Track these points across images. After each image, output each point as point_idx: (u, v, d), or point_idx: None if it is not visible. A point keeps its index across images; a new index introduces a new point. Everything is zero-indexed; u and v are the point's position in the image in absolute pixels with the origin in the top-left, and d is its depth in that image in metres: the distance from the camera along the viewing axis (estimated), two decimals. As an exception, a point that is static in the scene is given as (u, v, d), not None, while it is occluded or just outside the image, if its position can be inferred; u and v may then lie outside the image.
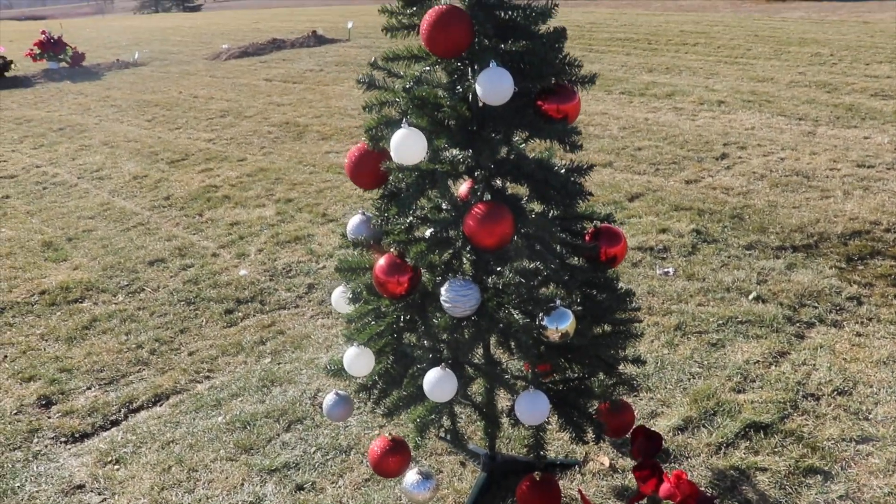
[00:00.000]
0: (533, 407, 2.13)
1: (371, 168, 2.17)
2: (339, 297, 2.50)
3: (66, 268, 5.16)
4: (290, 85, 11.91)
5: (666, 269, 4.32)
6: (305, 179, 6.63)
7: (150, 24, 37.03)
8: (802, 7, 23.83)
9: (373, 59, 2.25)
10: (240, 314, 4.26)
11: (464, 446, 2.80)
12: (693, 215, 5.11)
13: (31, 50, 16.60)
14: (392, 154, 1.98)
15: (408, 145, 1.93)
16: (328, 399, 2.50)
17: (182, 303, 4.45)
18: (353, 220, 2.37)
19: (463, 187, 2.32)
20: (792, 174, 5.97)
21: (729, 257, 4.48)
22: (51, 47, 16.40)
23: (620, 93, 9.43)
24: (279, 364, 3.67)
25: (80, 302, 4.62)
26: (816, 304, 3.85)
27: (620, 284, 2.35)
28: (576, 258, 2.24)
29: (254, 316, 4.24)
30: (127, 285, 4.78)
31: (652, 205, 5.39)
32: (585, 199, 2.18)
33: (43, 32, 16.70)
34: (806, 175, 5.94)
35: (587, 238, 2.26)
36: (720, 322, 3.71)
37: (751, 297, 3.95)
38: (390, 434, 2.40)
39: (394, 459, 2.34)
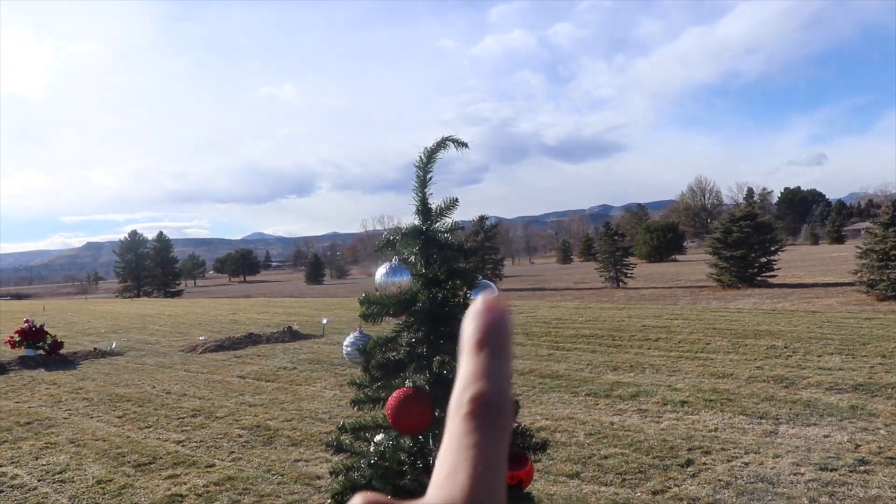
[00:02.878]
0: None
1: (337, 533, 2.27)
2: None
3: None
4: (262, 383, 12.11)
5: None
6: (273, 491, 6.56)
7: (131, 309, 38.08)
8: (756, 294, 25.40)
9: (341, 422, 2.44)
10: None
11: None
12: (662, 531, 5.11)
13: (12, 337, 16.92)
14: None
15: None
16: None
17: None
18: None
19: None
20: (757, 481, 6.07)
21: (700, 580, 4.43)
22: (31, 336, 16.74)
23: (586, 395, 9.71)
24: None
25: None
26: None
27: None
28: None
29: None
30: None
31: (621, 519, 5.39)
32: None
33: (26, 321, 17.12)
34: (770, 481, 6.04)
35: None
36: None
37: None
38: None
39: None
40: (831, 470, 6.28)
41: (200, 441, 8.47)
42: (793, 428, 7.67)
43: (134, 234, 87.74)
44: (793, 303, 21.26)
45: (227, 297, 49.60)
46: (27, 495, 6.94)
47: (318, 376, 12.48)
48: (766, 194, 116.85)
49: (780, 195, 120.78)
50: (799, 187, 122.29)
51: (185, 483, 6.93)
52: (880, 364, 10.74)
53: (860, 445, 6.92)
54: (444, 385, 2.22)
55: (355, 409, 2.32)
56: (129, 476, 7.28)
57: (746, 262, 29.30)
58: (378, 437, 2.34)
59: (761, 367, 10.97)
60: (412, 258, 2.25)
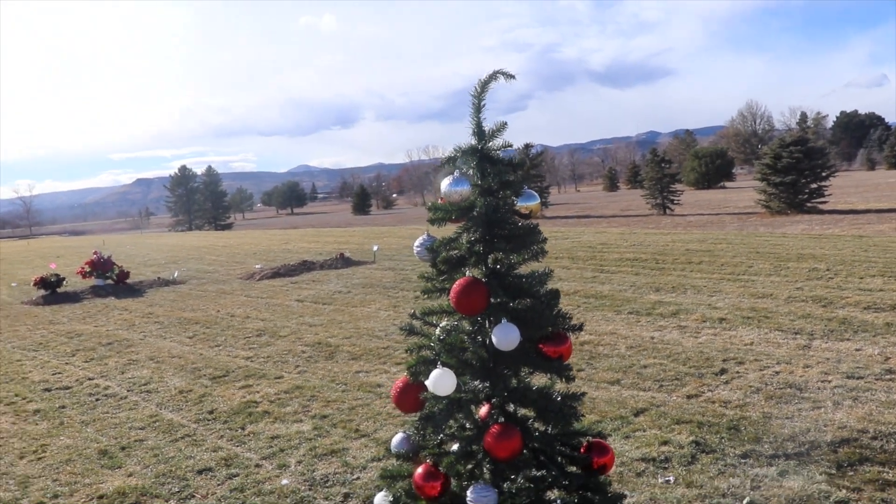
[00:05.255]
0: None
1: (412, 397, 2.80)
2: (382, 501, 3.03)
3: (121, 474, 5.66)
4: (320, 306, 12.81)
5: (667, 478, 4.77)
6: (338, 397, 7.21)
7: (184, 241, 39.37)
8: (805, 220, 25.24)
9: (412, 311, 2.94)
10: (283, 521, 4.71)
11: None
12: (693, 428, 5.61)
13: (83, 268, 17.96)
14: (429, 387, 2.61)
15: (441, 382, 2.57)
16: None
17: (230, 510, 4.91)
18: (397, 438, 2.94)
19: (483, 410, 2.92)
20: (786, 387, 6.50)
21: (726, 465, 4.93)
22: (100, 266, 17.72)
23: (629, 313, 10.17)
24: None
25: (135, 509, 5.09)
26: (806, 509, 4.27)
27: (611, 489, 2.88)
28: (573, 467, 2.79)
29: (295, 523, 4.68)
30: (178, 492, 5.25)
31: (655, 419, 5.90)
32: (579, 419, 2.77)
33: (95, 253, 18.12)
34: (799, 387, 6.47)
35: (582, 450, 2.82)
36: (716, 527, 4.13)
37: (745, 501, 4.37)
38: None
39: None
40: (858, 378, 6.67)
41: (267, 357, 9.19)
42: (826, 343, 8.03)
43: (184, 168, 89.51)
44: (842, 229, 21.16)
45: (277, 229, 50.74)
46: (120, 402, 7.72)
47: (371, 299, 13.14)
48: (820, 118, 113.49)
49: (835, 119, 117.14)
50: (856, 110, 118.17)
51: (258, 392, 7.64)
52: (921, 284, 10.94)
53: (890, 358, 7.27)
54: (497, 277, 2.70)
55: (425, 297, 2.81)
56: (206, 387, 8.01)
57: (796, 189, 28.97)
58: (443, 323, 2.84)
59: (801, 288, 11.25)
60: (470, 171, 2.71)
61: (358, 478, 5.24)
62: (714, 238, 19.55)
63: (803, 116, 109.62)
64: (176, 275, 19.17)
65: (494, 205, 2.68)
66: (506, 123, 2.71)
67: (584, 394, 2.84)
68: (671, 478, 4.79)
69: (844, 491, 4.46)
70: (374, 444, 5.86)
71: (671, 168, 39.93)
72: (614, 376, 7.21)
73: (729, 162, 78.86)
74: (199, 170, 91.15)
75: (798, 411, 5.90)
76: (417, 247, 2.83)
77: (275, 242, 30.76)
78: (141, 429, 6.78)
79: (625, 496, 2.93)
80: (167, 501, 5.13)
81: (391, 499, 2.97)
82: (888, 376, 6.68)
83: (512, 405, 2.75)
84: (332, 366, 8.51)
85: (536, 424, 2.78)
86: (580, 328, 2.79)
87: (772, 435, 5.41)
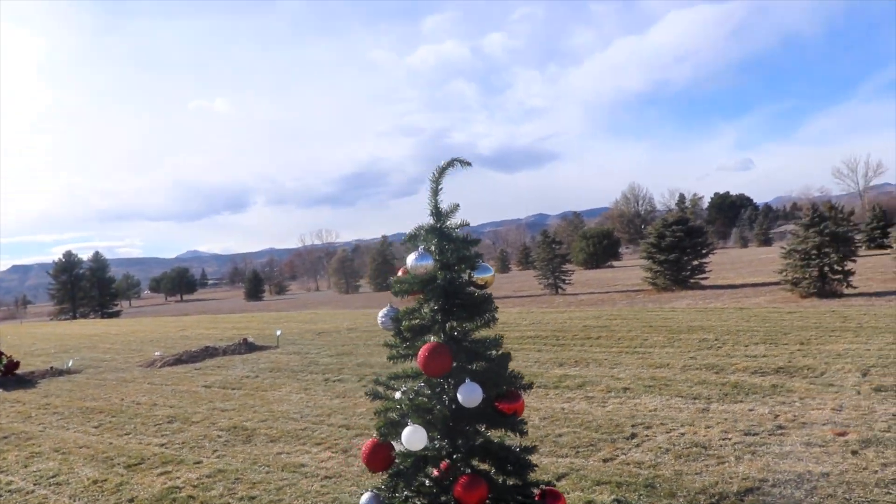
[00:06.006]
0: None
1: (381, 456, 3.03)
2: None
3: None
4: (229, 391, 12.65)
5: (596, 535, 5.07)
6: (263, 479, 7.19)
7: (72, 330, 37.64)
8: (689, 295, 26.72)
9: (376, 377, 3.20)
10: None
11: None
12: (612, 487, 5.97)
13: (-34, 365, 16.98)
14: (404, 443, 2.86)
15: (414, 437, 2.82)
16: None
17: None
18: (365, 497, 3.14)
19: (442, 465, 3.17)
20: (691, 446, 7.00)
21: (647, 521, 5.29)
22: (-14, 360, 16.83)
23: (537, 387, 10.58)
24: None
25: None
26: (721, 555, 4.65)
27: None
28: (530, 514, 3.07)
29: None
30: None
31: (577, 482, 6.23)
32: (534, 470, 3.06)
33: (-19, 346, 17.19)
34: (703, 446, 6.98)
35: (537, 498, 3.10)
36: (645, 575, 4.45)
37: (668, 552, 4.72)
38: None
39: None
40: (754, 434, 7.26)
41: (183, 443, 9.02)
42: (722, 405, 8.65)
43: (69, 254, 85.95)
44: (723, 302, 22.56)
45: (169, 316, 49.26)
46: (27, 497, 7.38)
47: (281, 382, 13.07)
48: (697, 199, 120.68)
49: (710, 200, 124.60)
50: (728, 192, 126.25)
51: (178, 477, 7.51)
52: (798, 350, 11.90)
53: (778, 415, 7.93)
54: (456, 342, 3.01)
55: (390, 362, 3.08)
56: (122, 475, 7.80)
57: (679, 266, 30.71)
58: (404, 387, 3.11)
59: (694, 357, 12.03)
60: (431, 248, 3.04)
61: (296, 554, 5.29)
62: (608, 314, 20.47)
63: (681, 198, 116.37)
64: (70, 364, 18.39)
65: (452, 278, 3.01)
66: (458, 205, 3.07)
67: (536, 447, 3.14)
68: (600, 533, 5.10)
69: (753, 536, 4.89)
70: (308, 521, 5.91)
71: (561, 249, 41.50)
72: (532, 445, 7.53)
73: (615, 242, 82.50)
74: (84, 255, 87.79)
75: (705, 467, 6.37)
76: (382, 317, 3.11)
77: (171, 329, 29.90)
78: (58, 522, 6.55)
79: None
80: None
81: (358, 558, 3.15)
82: (779, 431, 7.30)
83: (475, 459, 3.02)
84: (251, 449, 8.46)
85: (496, 477, 3.06)
86: (531, 387, 3.12)
87: (685, 489, 5.83)
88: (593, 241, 76.63)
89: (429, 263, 2.94)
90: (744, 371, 10.54)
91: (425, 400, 2.94)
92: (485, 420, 2.98)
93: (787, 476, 5.99)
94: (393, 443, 2.87)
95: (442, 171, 3.03)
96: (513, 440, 3.13)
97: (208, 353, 17.89)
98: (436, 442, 2.96)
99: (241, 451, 8.37)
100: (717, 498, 5.61)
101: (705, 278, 31.52)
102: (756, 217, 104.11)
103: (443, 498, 2.92)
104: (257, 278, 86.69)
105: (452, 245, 3.00)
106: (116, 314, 78.08)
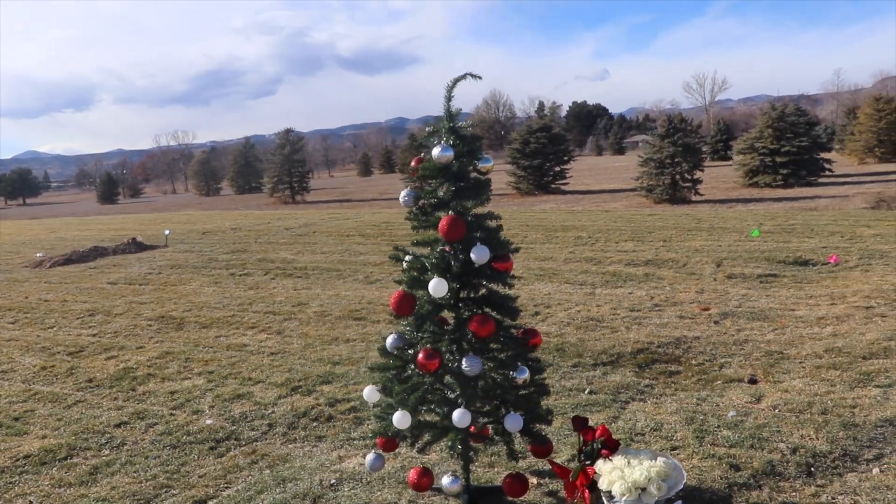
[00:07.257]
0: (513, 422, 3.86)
1: (408, 304, 3.90)
2: (372, 391, 4.12)
3: (34, 437, 5.87)
4: (137, 287, 12.96)
5: (527, 383, 6.24)
6: (213, 357, 7.88)
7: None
8: (552, 199, 28.51)
9: (395, 245, 4.06)
10: (223, 448, 5.48)
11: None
12: (532, 350, 7.17)
13: None
14: (431, 291, 3.74)
15: (439, 286, 3.72)
16: (370, 457, 4.05)
17: (168, 448, 5.53)
18: (391, 338, 4.02)
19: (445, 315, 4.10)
20: (588, 320, 8.30)
21: (564, 373, 6.51)
22: None
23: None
24: (277, 472, 4.98)
25: (70, 458, 5.49)
26: (627, 391, 5.93)
27: (539, 357, 4.21)
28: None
29: (236, 448, 5.48)
30: (106, 443, 5.72)
31: (500, 347, 7.38)
32: (520, 314, 4.05)
33: None
34: (598, 320, 8.30)
35: (519, 334, 4.11)
36: (572, 406, 5.64)
37: (586, 392, 5.94)
38: (421, 464, 3.98)
39: (426, 479, 3.92)
40: (637, 311, 8.66)
41: (115, 332, 9.44)
42: (606, 290, 10.05)
43: None
44: (584, 206, 24.39)
45: (20, 220, 46.72)
46: (-25, 383, 7.71)
47: (188, 277, 13.51)
48: (555, 107, 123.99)
49: (568, 108, 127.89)
50: (585, 101, 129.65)
51: (128, 360, 8.02)
52: (662, 246, 13.58)
53: (654, 297, 9.39)
54: (462, 215, 3.91)
55: (413, 230, 3.95)
56: (68, 361, 8.15)
57: (542, 171, 32.37)
58: (417, 251, 3.98)
59: (573, 252, 13.47)
60: (450, 141, 3.88)
61: (273, 412, 6.12)
62: (487, 215, 21.76)
63: (541, 105, 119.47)
64: (-58, 268, 17.77)
65: (461, 165, 3.88)
66: (461, 109, 3.91)
67: (518, 296, 4.13)
68: (531, 381, 6.26)
69: (647, 380, 6.20)
70: (273, 387, 6.70)
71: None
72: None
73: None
74: None
75: (602, 335, 7.68)
76: (405, 196, 3.95)
77: (39, 232, 28.82)
78: (23, 401, 6.83)
79: (544, 367, 4.26)
80: (99, 451, 5.56)
81: (380, 387, 4.07)
82: (657, 308, 8.74)
83: (483, 305, 3.97)
84: (188, 334, 9.06)
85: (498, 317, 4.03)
86: (517, 250, 4.07)
87: (589, 351, 7.09)
88: (458, 147, 77.76)
89: (449, 154, 3.78)
90: (619, 263, 12.04)
91: (445, 259, 3.82)
92: (486, 276, 3.91)
93: (668, 339, 7.38)
94: (428, 288, 3.75)
95: (455, 82, 3.83)
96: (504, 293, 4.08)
97: (98, 252, 17.79)
98: (449, 292, 3.85)
99: (179, 337, 8.96)
100: (615, 356, 6.90)
101: (566, 184, 33.44)
102: (611, 127, 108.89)
103: (458, 333, 3.85)
104: (111, 180, 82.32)
105: (463, 141, 3.85)
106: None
